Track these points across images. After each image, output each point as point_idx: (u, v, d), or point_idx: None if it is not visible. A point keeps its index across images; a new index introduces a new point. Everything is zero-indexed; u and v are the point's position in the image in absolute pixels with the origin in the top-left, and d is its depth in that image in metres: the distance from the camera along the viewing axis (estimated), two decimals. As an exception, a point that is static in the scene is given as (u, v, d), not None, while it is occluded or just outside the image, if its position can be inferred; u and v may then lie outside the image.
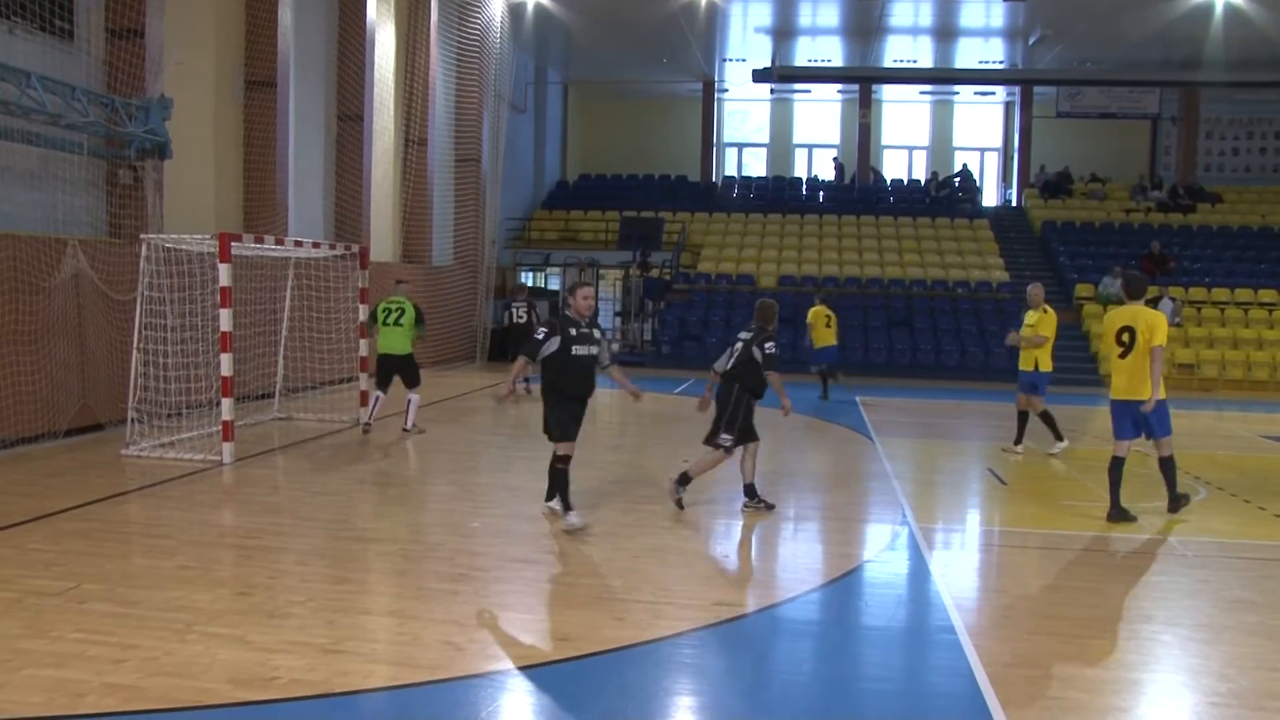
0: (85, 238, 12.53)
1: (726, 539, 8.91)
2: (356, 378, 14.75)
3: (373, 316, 13.54)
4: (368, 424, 13.45)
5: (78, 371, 12.24)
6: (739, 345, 9.43)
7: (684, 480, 9.43)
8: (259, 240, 12.50)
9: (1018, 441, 13.32)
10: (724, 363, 9.51)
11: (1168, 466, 9.56)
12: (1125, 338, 9.30)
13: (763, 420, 9.60)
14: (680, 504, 9.38)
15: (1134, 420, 9.36)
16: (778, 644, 6.25)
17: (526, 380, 18.23)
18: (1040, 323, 13.09)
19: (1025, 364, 13.18)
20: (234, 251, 11.34)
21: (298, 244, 13.55)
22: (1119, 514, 9.29)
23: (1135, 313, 9.34)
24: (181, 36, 14.74)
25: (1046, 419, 13.18)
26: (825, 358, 19.50)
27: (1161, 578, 7.72)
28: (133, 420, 11.62)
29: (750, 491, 9.52)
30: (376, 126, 20.98)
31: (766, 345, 9.28)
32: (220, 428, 11.30)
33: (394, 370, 13.42)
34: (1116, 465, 9.42)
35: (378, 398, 13.48)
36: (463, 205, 25.18)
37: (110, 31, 13.38)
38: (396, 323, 13.26)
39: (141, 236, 11.95)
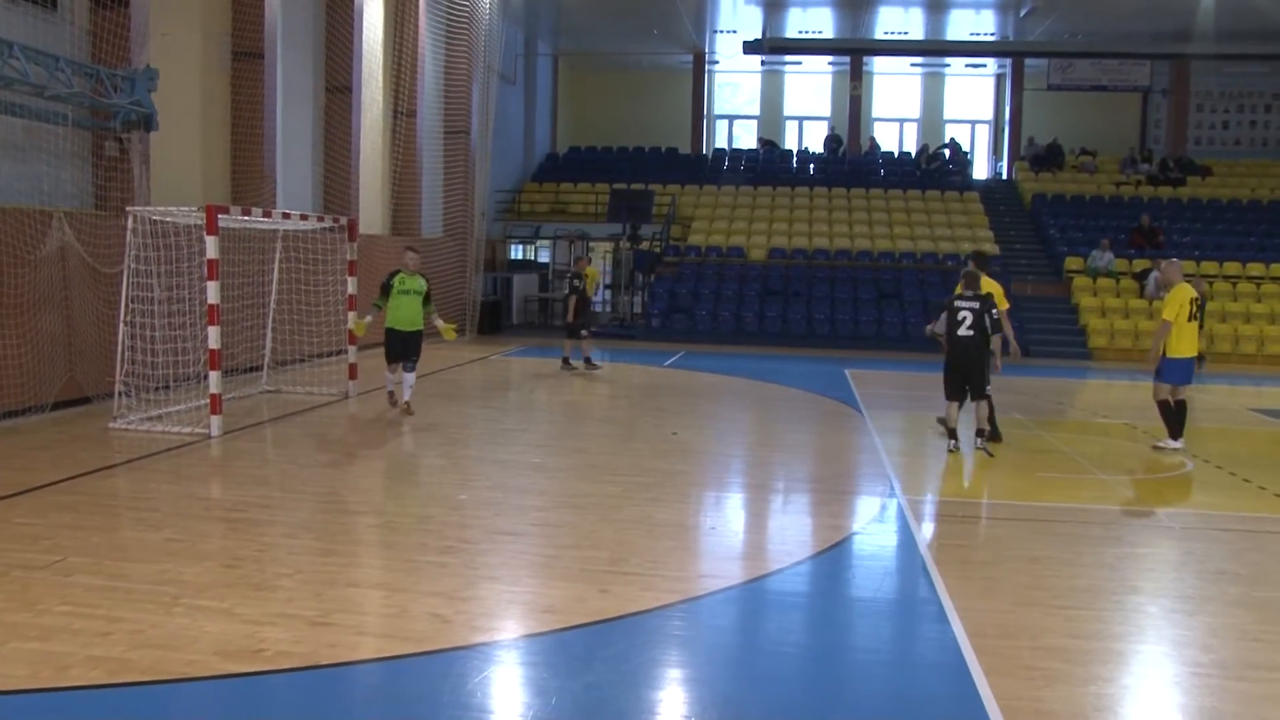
0: (71, 210, 12.45)
1: (714, 511, 8.94)
2: (345, 350, 14.72)
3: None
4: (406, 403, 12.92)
5: (64, 344, 12.18)
6: (967, 313, 11.15)
7: (981, 433, 11.36)
8: (246, 213, 12.43)
9: (1174, 435, 11.83)
10: (943, 326, 11.39)
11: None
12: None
13: (753, 394, 9.62)
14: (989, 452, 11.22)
15: None
16: (766, 616, 6.27)
17: (588, 359, 17.97)
18: (1164, 305, 11.79)
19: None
20: (221, 224, 11.28)
21: (285, 216, 13.48)
22: (993, 434, 11.78)
23: (993, 284, 11.86)
24: (167, 7, 14.59)
25: (1163, 410, 11.83)
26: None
27: (1146, 549, 7.77)
28: (120, 393, 11.59)
29: (983, 433, 11.39)
30: (365, 98, 20.83)
31: (993, 311, 11.18)
32: (208, 401, 11.28)
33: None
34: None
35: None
36: (452, 177, 25.05)
37: (94, 1, 13.22)
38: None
39: (128, 209, 11.87)
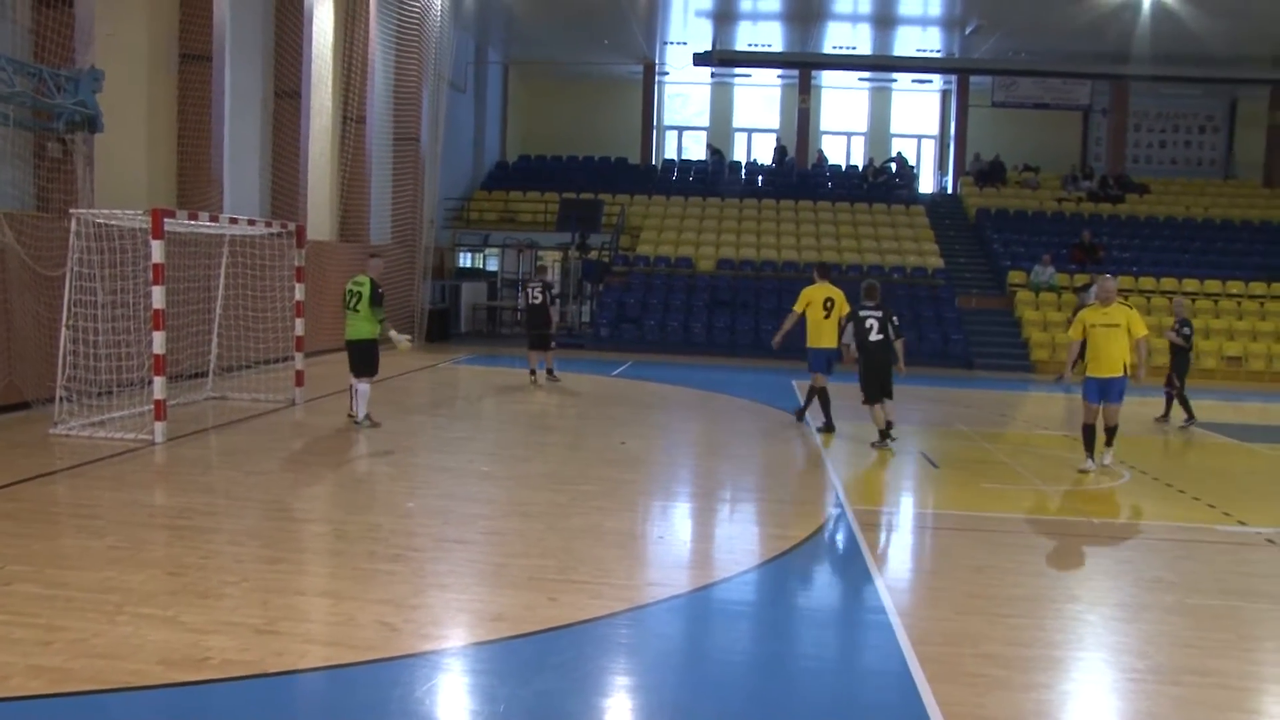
0: (11, 211, 12.22)
1: (662, 520, 8.99)
2: (292, 356, 14.59)
3: (343, 300, 12.58)
4: (352, 416, 12.63)
5: (3, 348, 11.95)
6: (873, 320, 12.09)
7: (890, 427, 12.27)
8: (193, 217, 12.29)
9: (1093, 457, 11.41)
10: (852, 335, 12.38)
11: (823, 396, 13.40)
12: (829, 305, 13.43)
13: (701, 404, 9.69)
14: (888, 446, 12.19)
15: (828, 361, 13.45)
16: (712, 624, 6.32)
17: (550, 371, 17.71)
18: (1133, 321, 11.19)
19: (1110, 369, 11.08)
20: (167, 228, 11.15)
21: (233, 221, 13.35)
22: (828, 426, 13.26)
23: (833, 289, 13.60)
24: (112, 7, 14.40)
25: (1113, 432, 11.46)
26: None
27: (1085, 559, 7.94)
28: (61, 399, 11.40)
29: (890, 424, 12.33)
30: (314, 103, 20.68)
31: (894, 319, 12.17)
32: (152, 406, 11.13)
33: (353, 357, 12.52)
34: (821, 393, 13.48)
35: (352, 387, 12.67)
36: (401, 184, 24.92)
37: (38, 0, 13.03)
38: (354, 307, 12.40)
39: (71, 211, 11.69)
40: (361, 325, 12.45)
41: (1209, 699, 5.21)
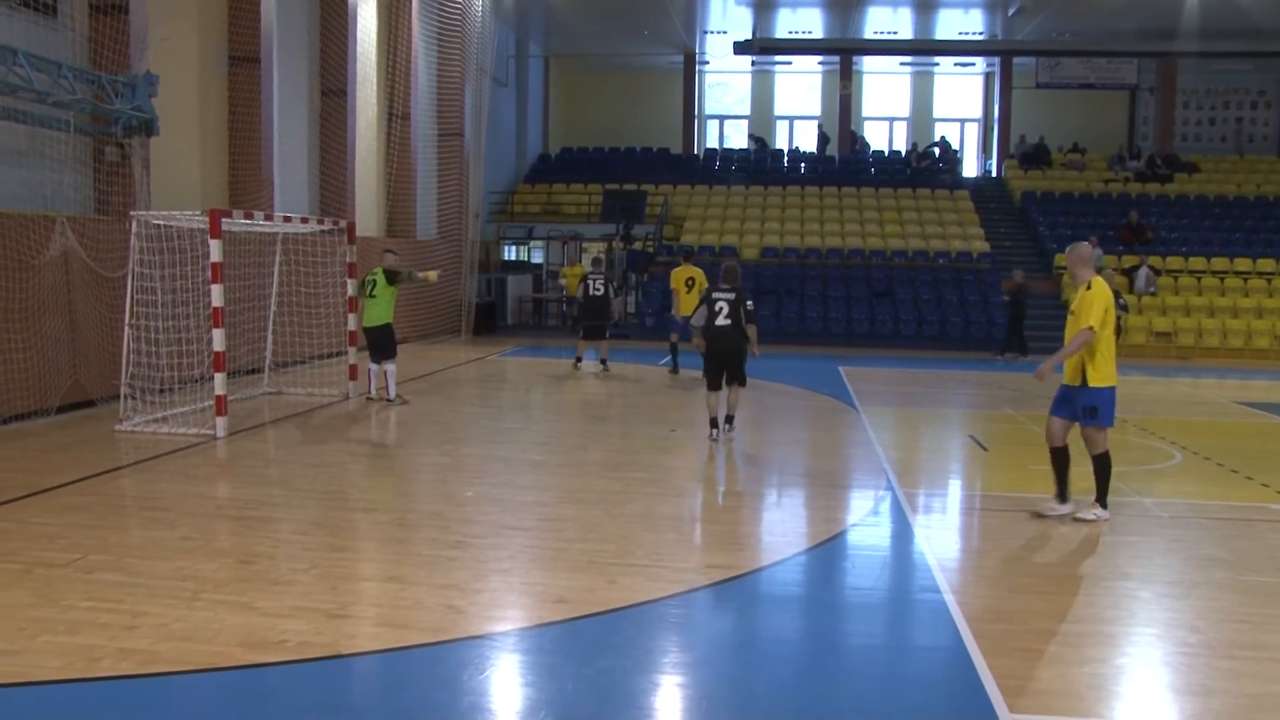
0: (73, 215, 12.58)
1: (715, 505, 9.13)
2: (345, 351, 14.88)
3: (361, 290, 13.88)
4: (368, 395, 13.93)
5: (68, 348, 12.31)
6: (723, 303, 11.32)
7: (730, 420, 11.69)
8: (249, 216, 12.58)
9: (1062, 497, 8.45)
10: (702, 319, 11.50)
11: (674, 350, 16.60)
12: (690, 283, 16.69)
13: (747, 391, 9.83)
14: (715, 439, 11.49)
15: (686, 325, 14.08)
16: (768, 604, 6.46)
17: (604, 361, 17.92)
18: (1081, 305, 7.99)
19: (1070, 376, 8.18)
20: (223, 227, 11.41)
21: (287, 219, 13.64)
22: (674, 369, 16.18)
23: (694, 270, 17.00)
24: (165, 12, 14.73)
25: (1104, 466, 8.24)
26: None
27: (1136, 538, 7.96)
28: (125, 396, 11.72)
29: (731, 419, 11.76)
30: (360, 101, 20.97)
31: (748, 304, 11.38)
32: (213, 402, 11.42)
33: (374, 341, 13.69)
34: (673, 348, 17.49)
35: (370, 370, 13.85)
36: (446, 179, 25.21)
37: (93, 7, 13.36)
38: (371, 294, 13.59)
39: (131, 213, 12.01)
40: (378, 311, 13.60)
41: (1261, 671, 5.27)
